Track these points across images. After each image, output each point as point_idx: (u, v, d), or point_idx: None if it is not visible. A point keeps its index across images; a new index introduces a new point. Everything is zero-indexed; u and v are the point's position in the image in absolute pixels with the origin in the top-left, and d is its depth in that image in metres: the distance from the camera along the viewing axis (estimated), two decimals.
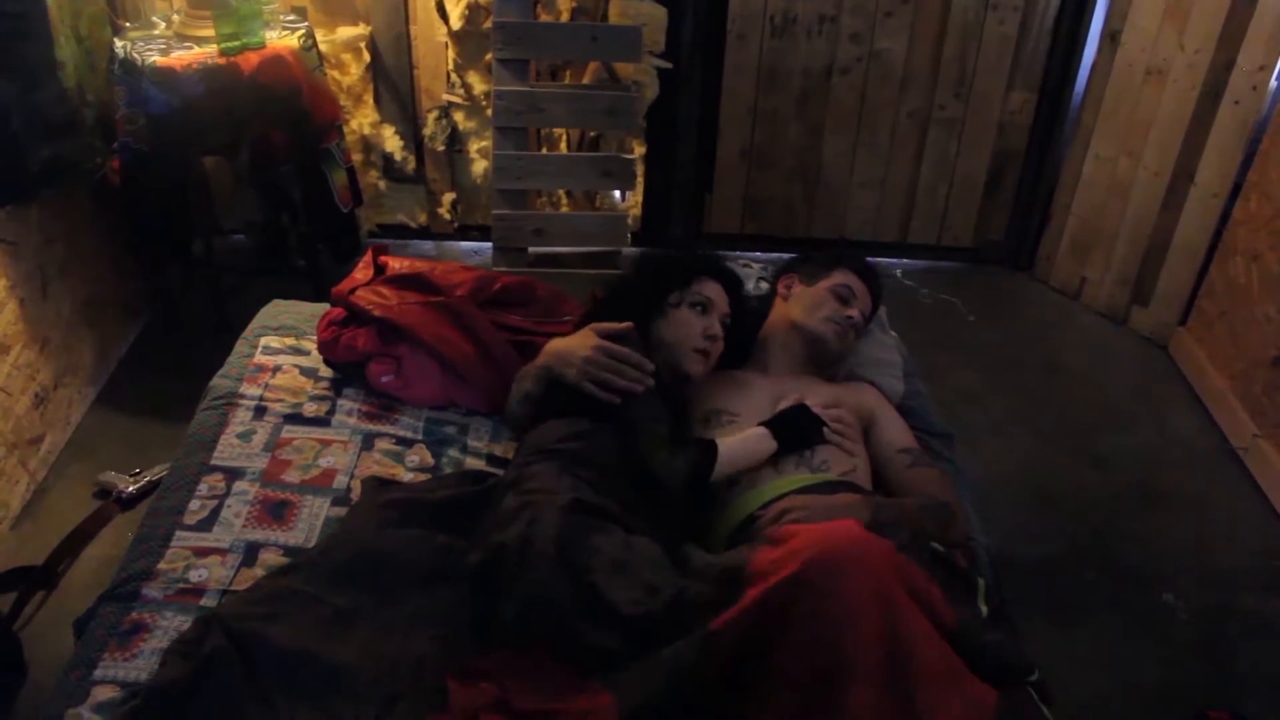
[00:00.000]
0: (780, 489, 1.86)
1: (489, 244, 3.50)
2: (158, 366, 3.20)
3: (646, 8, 3.37)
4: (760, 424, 1.95)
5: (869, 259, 2.30)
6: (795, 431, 1.94)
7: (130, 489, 2.69)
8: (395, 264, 2.44)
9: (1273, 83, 3.13)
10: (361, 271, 2.42)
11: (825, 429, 1.94)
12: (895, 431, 2.07)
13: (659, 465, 1.85)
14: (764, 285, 2.41)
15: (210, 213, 3.31)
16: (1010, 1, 3.53)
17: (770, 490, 1.87)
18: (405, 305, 2.28)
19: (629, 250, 3.55)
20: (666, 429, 1.94)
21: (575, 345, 1.98)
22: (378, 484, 2.01)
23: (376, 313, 2.25)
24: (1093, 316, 3.73)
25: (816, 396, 2.01)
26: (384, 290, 2.33)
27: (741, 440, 1.92)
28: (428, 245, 3.87)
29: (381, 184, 3.74)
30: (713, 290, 2.12)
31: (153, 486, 2.66)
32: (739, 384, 2.11)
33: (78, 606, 1.93)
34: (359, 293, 2.32)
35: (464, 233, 3.90)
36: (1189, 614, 2.56)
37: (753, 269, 2.49)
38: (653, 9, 3.39)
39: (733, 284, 2.19)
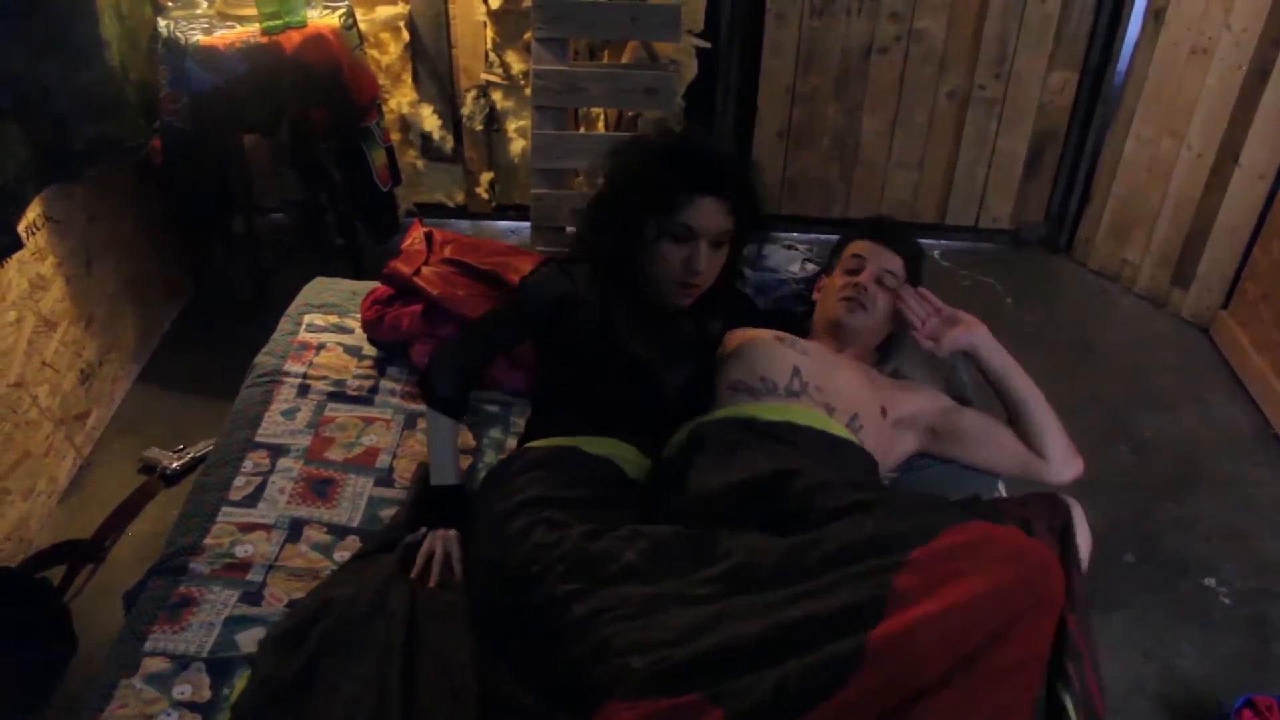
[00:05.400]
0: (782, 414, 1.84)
1: (527, 223, 3.50)
2: (199, 343, 3.24)
3: None
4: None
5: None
6: None
7: (174, 465, 2.73)
8: (439, 235, 2.47)
9: None
10: (414, 248, 2.43)
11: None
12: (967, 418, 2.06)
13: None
14: (810, 266, 2.39)
15: (249, 191, 3.34)
16: None
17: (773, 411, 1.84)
18: (476, 298, 2.28)
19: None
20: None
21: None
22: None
23: (447, 306, 2.26)
24: (1133, 299, 3.70)
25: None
26: (451, 275, 2.34)
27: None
28: (465, 224, 3.88)
29: (419, 163, 3.75)
30: (699, 213, 1.82)
31: (196, 463, 2.70)
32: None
33: (125, 580, 1.97)
34: (424, 273, 2.33)
35: (502, 212, 3.90)
36: (1231, 598, 2.54)
37: (798, 250, 2.46)
38: None
39: (737, 194, 1.86)
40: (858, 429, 1.89)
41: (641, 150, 1.92)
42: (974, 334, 2.01)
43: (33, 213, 2.53)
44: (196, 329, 3.32)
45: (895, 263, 2.13)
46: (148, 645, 1.71)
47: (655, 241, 1.85)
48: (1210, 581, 2.59)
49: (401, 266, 2.37)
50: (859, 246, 2.15)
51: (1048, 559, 1.44)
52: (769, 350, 1.95)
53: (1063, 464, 1.99)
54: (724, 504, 1.68)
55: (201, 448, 2.73)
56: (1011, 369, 2.00)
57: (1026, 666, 1.36)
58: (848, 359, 2.06)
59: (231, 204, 3.23)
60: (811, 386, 1.89)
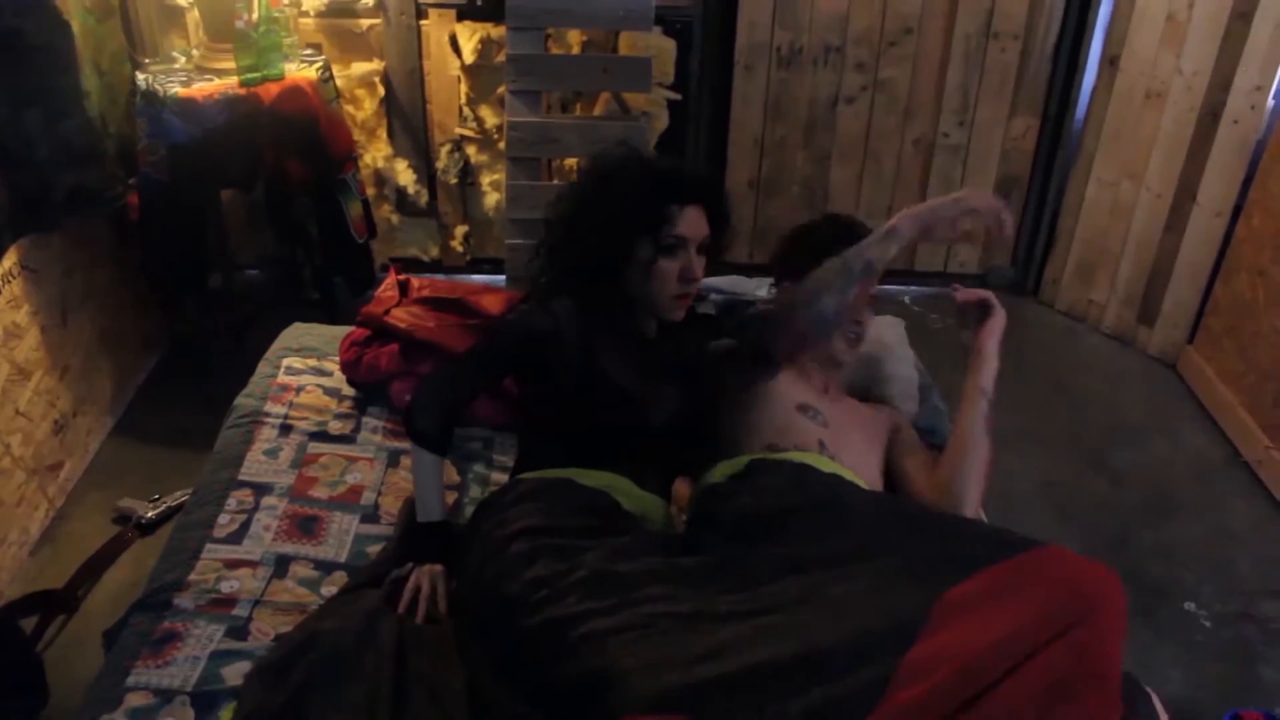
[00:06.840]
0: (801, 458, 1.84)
1: (501, 276, 3.52)
2: (174, 397, 3.21)
3: (655, 39, 3.44)
4: None
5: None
6: None
7: (150, 514, 2.70)
8: (416, 281, 2.48)
9: (1270, 101, 3.19)
10: (386, 294, 2.45)
11: None
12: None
13: None
14: (775, 291, 2.43)
15: (225, 248, 3.35)
16: (1011, 30, 3.60)
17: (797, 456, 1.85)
18: (445, 327, 2.30)
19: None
20: None
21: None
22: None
23: (419, 335, 2.28)
24: (1100, 338, 3.77)
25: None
26: (420, 311, 2.35)
27: None
28: (440, 278, 3.88)
29: (394, 218, 3.77)
30: (688, 223, 1.88)
31: (172, 512, 2.67)
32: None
33: (98, 630, 1.93)
34: (394, 313, 2.34)
35: (476, 265, 3.92)
36: (1212, 621, 2.56)
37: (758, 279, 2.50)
38: (661, 41, 3.46)
39: (712, 199, 1.92)
40: None
41: (617, 177, 1.94)
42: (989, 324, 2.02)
43: (9, 261, 2.52)
44: (172, 382, 3.30)
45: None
46: (130, 680, 1.68)
47: (651, 259, 1.87)
48: (1190, 605, 2.61)
49: (373, 309, 2.39)
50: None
51: (1083, 587, 1.39)
52: (795, 423, 1.94)
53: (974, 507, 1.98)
54: (784, 516, 1.68)
55: (178, 497, 2.70)
56: (983, 390, 2.02)
57: (1044, 693, 1.31)
58: (850, 408, 2.07)
59: (208, 260, 3.24)
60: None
